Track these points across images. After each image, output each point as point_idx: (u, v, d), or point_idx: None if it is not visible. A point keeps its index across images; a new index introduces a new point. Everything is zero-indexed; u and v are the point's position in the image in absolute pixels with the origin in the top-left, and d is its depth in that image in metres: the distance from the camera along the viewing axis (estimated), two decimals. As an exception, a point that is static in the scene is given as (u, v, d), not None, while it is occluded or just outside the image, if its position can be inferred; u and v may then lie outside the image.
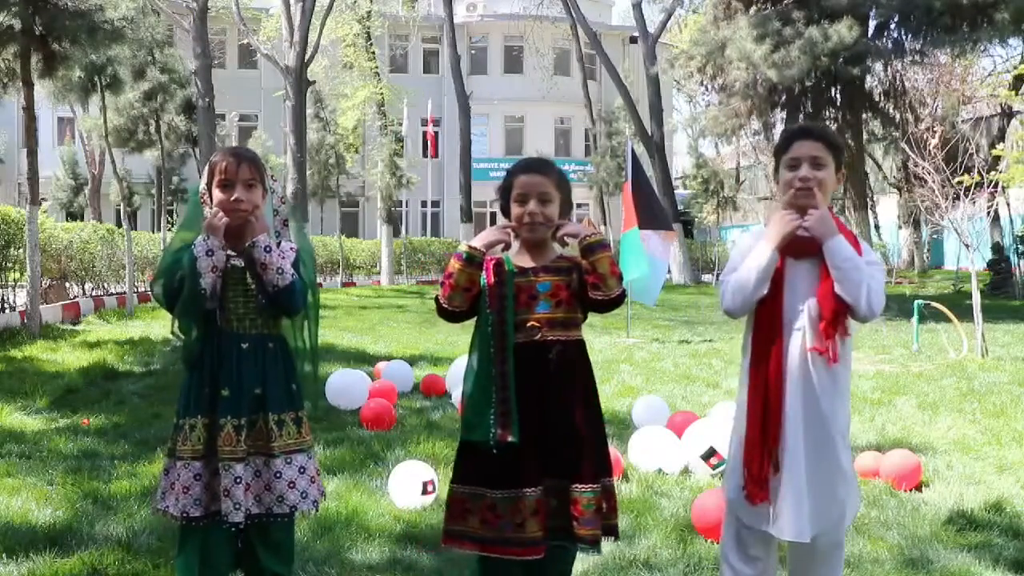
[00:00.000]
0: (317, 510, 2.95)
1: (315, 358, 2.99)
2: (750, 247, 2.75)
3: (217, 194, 2.80)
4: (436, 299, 2.81)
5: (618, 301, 2.74)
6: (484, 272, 2.75)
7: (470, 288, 2.72)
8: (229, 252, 2.81)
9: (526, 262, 2.77)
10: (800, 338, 2.67)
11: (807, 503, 2.61)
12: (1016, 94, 17.97)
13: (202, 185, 2.86)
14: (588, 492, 2.67)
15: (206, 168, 2.86)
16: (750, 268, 2.69)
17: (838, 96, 17.30)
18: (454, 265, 2.71)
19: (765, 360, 2.69)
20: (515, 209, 2.75)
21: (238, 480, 2.72)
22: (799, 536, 2.63)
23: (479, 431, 2.68)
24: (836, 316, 2.62)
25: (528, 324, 2.69)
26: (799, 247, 2.69)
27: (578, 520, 2.66)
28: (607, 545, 3.74)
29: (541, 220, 2.72)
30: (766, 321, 2.70)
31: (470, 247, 2.70)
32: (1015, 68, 21.15)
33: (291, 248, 2.88)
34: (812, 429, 2.64)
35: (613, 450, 4.99)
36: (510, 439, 2.63)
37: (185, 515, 2.74)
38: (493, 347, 2.69)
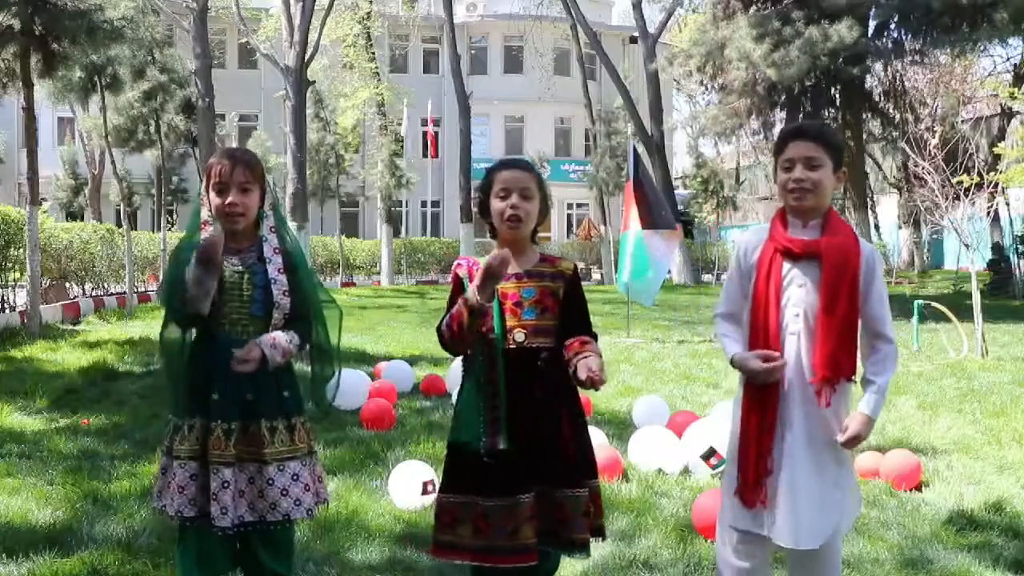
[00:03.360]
0: (311, 517, 2.93)
1: (331, 358, 2.97)
2: (737, 267, 2.78)
3: (212, 198, 2.80)
4: (439, 331, 2.72)
5: None
6: (468, 278, 2.71)
7: (480, 334, 2.66)
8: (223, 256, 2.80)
9: (509, 267, 2.74)
10: (796, 342, 2.65)
11: (805, 509, 2.59)
12: (1018, 91, 17.94)
13: (202, 187, 2.86)
14: (575, 496, 2.66)
15: (205, 170, 2.86)
16: (724, 348, 2.79)
17: (838, 96, 17.30)
18: (463, 315, 2.59)
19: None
20: (496, 204, 2.73)
21: (226, 484, 2.71)
22: (796, 543, 2.61)
23: (468, 434, 2.68)
24: (827, 383, 2.63)
25: (514, 331, 2.68)
26: (796, 249, 2.65)
27: (566, 524, 2.65)
28: (607, 545, 3.75)
29: (523, 214, 2.71)
30: (762, 324, 2.67)
31: (479, 303, 2.56)
32: (1017, 66, 21.12)
33: (292, 342, 2.84)
34: (811, 434, 2.62)
35: (613, 450, 5.02)
36: (501, 446, 2.62)
37: (180, 514, 2.75)
38: (482, 354, 2.68)
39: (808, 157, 2.65)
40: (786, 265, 2.67)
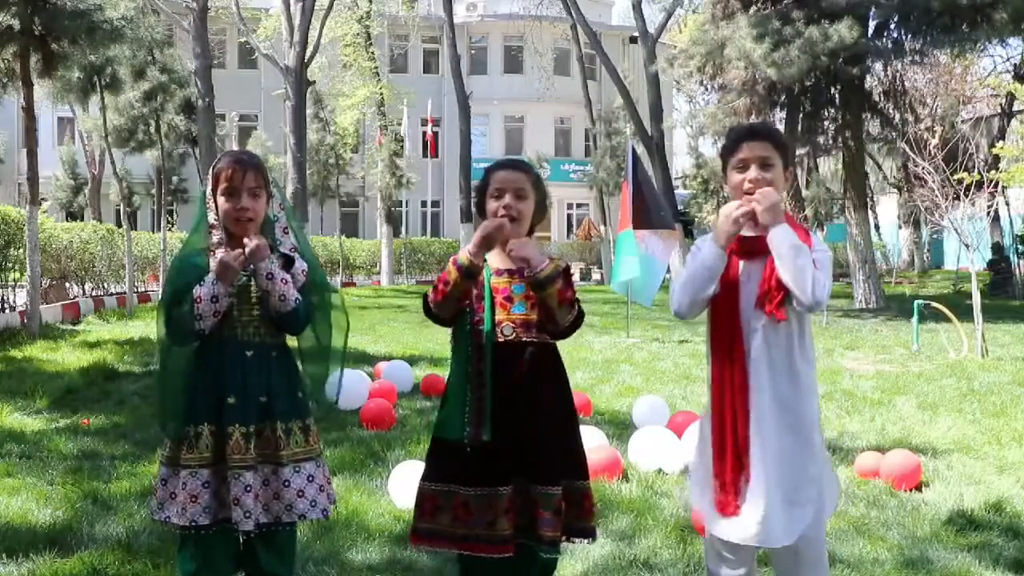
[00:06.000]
0: (327, 518, 2.93)
1: (328, 358, 2.95)
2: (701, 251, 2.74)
3: (222, 202, 2.78)
4: (425, 298, 2.75)
5: (574, 327, 2.74)
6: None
7: (462, 300, 2.69)
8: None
9: (500, 263, 2.76)
10: (760, 338, 2.64)
11: (777, 507, 2.58)
12: (1022, 84, 17.90)
13: (207, 191, 2.84)
14: (547, 493, 2.67)
15: (210, 173, 2.83)
16: (697, 267, 2.66)
17: (838, 96, 17.29)
18: (452, 274, 2.64)
19: (728, 364, 2.66)
20: (491, 204, 2.76)
21: (248, 488, 2.70)
22: (768, 542, 2.60)
23: (452, 428, 2.70)
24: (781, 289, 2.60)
25: (504, 324, 2.70)
26: (751, 247, 2.67)
27: (537, 520, 2.67)
28: (607, 545, 3.76)
29: (516, 214, 2.72)
30: (725, 324, 2.68)
31: (471, 259, 2.61)
32: (1017, 65, 21.04)
33: (303, 271, 2.84)
34: (777, 430, 2.62)
35: (613, 450, 5.02)
36: (484, 438, 2.64)
37: (194, 523, 2.71)
38: (471, 345, 2.71)
39: (762, 157, 2.67)
40: (742, 264, 2.69)
